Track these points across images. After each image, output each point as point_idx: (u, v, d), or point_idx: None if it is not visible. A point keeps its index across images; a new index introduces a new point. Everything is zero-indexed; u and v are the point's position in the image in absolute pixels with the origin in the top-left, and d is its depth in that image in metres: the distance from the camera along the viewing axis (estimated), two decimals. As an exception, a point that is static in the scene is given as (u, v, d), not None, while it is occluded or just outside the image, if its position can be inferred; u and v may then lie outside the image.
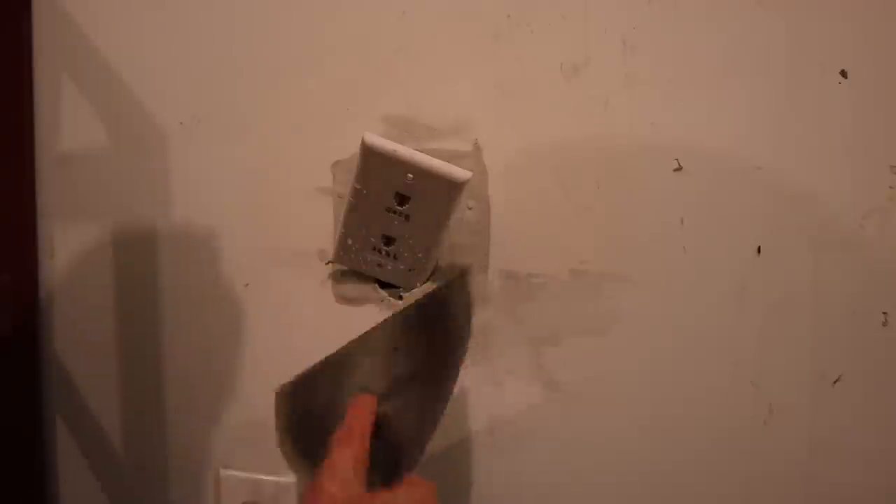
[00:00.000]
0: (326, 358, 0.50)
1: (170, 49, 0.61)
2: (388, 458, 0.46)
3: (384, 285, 0.59)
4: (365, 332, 0.51)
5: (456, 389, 0.58)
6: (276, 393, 0.49)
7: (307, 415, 0.49)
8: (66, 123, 0.64)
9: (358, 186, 0.51)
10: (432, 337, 0.52)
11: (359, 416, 0.45)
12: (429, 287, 0.57)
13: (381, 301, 0.59)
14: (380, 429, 0.47)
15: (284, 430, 0.49)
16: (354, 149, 0.51)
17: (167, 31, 0.61)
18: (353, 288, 0.59)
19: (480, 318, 0.58)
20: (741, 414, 0.55)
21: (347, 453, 0.42)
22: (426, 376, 0.50)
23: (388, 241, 0.54)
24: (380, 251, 0.55)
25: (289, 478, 0.62)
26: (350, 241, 0.55)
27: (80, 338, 0.66)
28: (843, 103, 0.53)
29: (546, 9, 0.55)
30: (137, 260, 0.63)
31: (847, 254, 0.53)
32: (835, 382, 0.54)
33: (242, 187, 0.61)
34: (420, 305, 0.53)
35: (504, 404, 0.58)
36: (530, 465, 0.58)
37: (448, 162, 0.49)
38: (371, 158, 0.49)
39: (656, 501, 0.57)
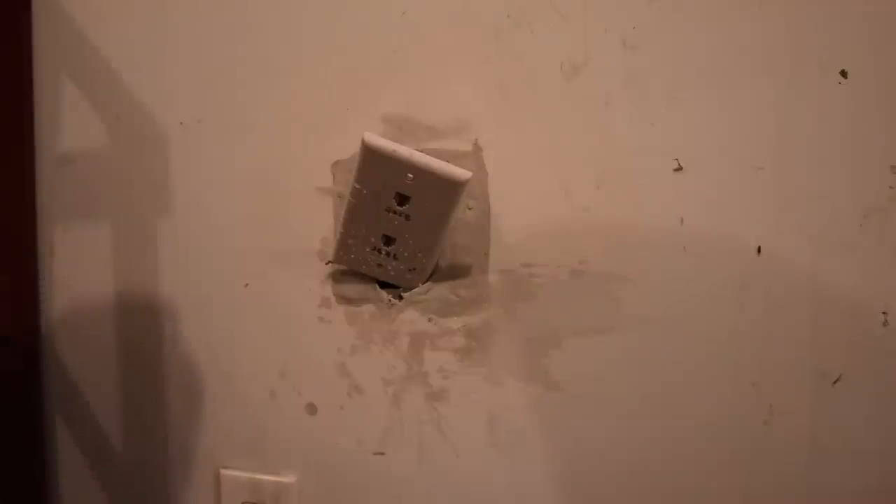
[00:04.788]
0: None
1: (170, 49, 0.61)
2: None
3: (384, 285, 0.59)
4: None
5: (456, 389, 0.58)
6: None
7: None
8: (66, 123, 0.64)
9: (358, 186, 0.51)
10: None
11: None
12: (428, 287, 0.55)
13: (382, 301, 0.59)
14: None
15: None
16: (354, 149, 0.51)
17: (167, 30, 0.61)
18: (353, 288, 0.59)
19: (481, 318, 0.58)
20: (741, 414, 0.55)
21: None
22: None
23: (388, 241, 0.54)
24: (380, 251, 0.55)
25: (289, 478, 0.62)
26: (350, 241, 0.55)
27: (80, 338, 0.66)
28: (843, 103, 0.53)
29: (546, 9, 0.55)
30: (137, 260, 0.63)
31: (847, 254, 0.53)
32: (835, 382, 0.54)
33: (242, 187, 0.61)
34: None
35: (504, 404, 0.58)
36: (530, 465, 0.58)
37: (448, 162, 0.49)
38: (371, 158, 0.49)
39: (656, 501, 0.57)
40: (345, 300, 0.60)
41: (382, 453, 0.59)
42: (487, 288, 0.58)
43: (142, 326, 0.64)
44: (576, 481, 0.57)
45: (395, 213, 0.52)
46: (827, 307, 0.54)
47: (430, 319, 0.58)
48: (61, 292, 0.66)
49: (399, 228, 0.53)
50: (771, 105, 0.54)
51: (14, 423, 0.64)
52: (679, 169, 0.55)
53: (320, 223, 0.60)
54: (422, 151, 0.49)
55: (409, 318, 0.59)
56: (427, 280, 0.58)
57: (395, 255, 0.55)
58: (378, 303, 0.59)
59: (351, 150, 0.58)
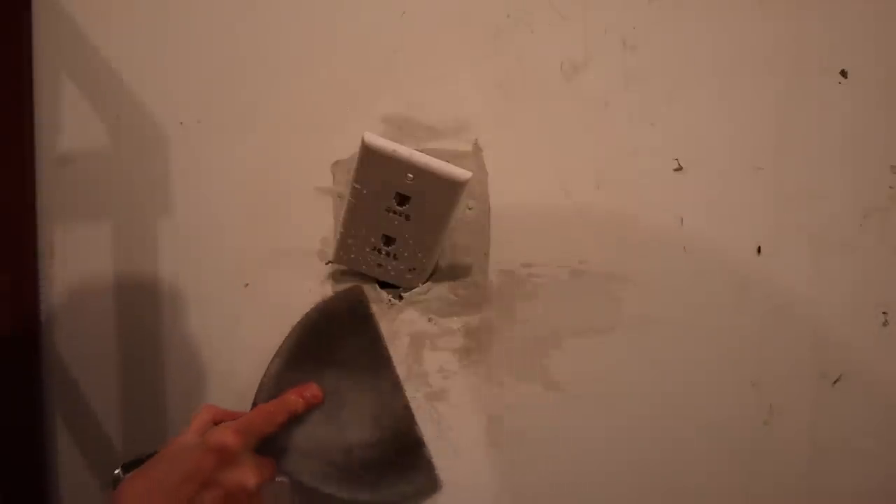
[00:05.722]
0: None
1: (170, 49, 0.61)
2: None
3: (384, 285, 0.59)
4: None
5: (456, 389, 0.58)
6: None
7: None
8: (66, 123, 0.64)
9: (358, 186, 0.51)
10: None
11: (280, 406, 0.52)
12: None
13: (382, 301, 0.59)
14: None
15: None
16: (354, 149, 0.51)
17: (167, 31, 0.61)
18: (353, 288, 0.59)
19: (481, 318, 0.58)
20: (741, 414, 0.55)
21: (249, 431, 0.48)
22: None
23: (388, 241, 0.54)
24: (380, 251, 0.55)
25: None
26: (350, 241, 0.55)
27: (80, 338, 0.66)
28: (843, 103, 0.53)
29: (546, 9, 0.55)
30: (137, 260, 0.63)
31: (847, 254, 0.53)
32: (835, 382, 0.54)
33: (242, 187, 0.61)
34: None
35: (504, 404, 0.58)
36: (530, 465, 0.58)
37: (448, 162, 0.49)
38: (371, 158, 0.49)
39: (656, 501, 0.57)
40: (345, 300, 0.60)
41: (382, 453, 0.59)
42: (487, 288, 0.58)
43: (142, 326, 0.64)
44: (576, 481, 0.57)
45: (395, 213, 0.52)
46: (827, 307, 0.54)
47: (430, 319, 0.58)
48: (61, 292, 0.66)
49: (399, 228, 0.53)
50: (771, 105, 0.54)
51: (14, 423, 0.64)
52: (679, 169, 0.55)
53: (320, 223, 0.60)
54: (422, 151, 0.49)
55: (409, 318, 0.59)
56: (427, 280, 0.58)
57: (395, 255, 0.55)
58: (378, 303, 0.59)
59: (351, 150, 0.58)
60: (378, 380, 0.56)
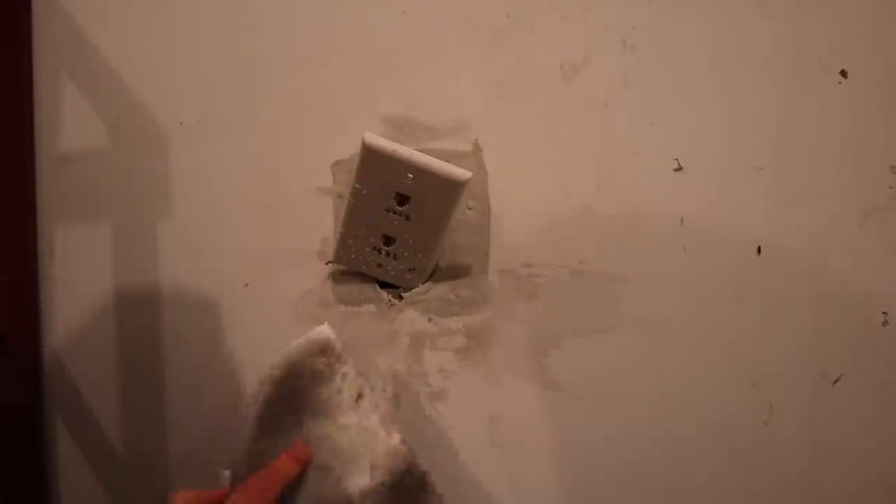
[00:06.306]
0: None
1: (170, 49, 0.61)
2: None
3: (384, 285, 0.59)
4: None
5: (456, 389, 0.58)
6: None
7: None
8: (66, 123, 0.64)
9: (358, 186, 0.51)
10: None
11: (275, 475, 0.45)
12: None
13: (382, 301, 0.59)
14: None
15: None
16: (354, 149, 0.51)
17: (167, 31, 0.61)
18: (353, 288, 0.59)
19: (481, 318, 0.58)
20: (741, 414, 0.55)
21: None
22: None
23: (388, 241, 0.54)
24: (380, 251, 0.55)
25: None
26: (350, 241, 0.55)
27: (80, 338, 0.66)
28: (843, 103, 0.53)
29: (546, 9, 0.55)
30: (137, 260, 0.63)
31: (847, 253, 0.53)
32: (835, 382, 0.54)
33: (242, 187, 0.61)
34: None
35: (504, 404, 0.58)
36: (530, 464, 0.58)
37: (448, 162, 0.49)
38: (371, 158, 0.49)
39: (656, 501, 0.57)
40: (345, 300, 0.60)
41: (382, 453, 0.59)
42: (487, 288, 0.58)
43: (142, 326, 0.64)
44: (576, 481, 0.57)
45: (395, 213, 0.52)
46: (827, 307, 0.54)
47: (430, 319, 0.58)
48: (61, 292, 0.66)
49: (399, 228, 0.53)
50: (771, 105, 0.54)
51: (14, 424, 0.64)
52: (679, 169, 0.55)
53: (320, 223, 0.60)
54: (422, 151, 0.49)
55: (409, 318, 0.59)
56: (427, 280, 0.58)
57: (395, 255, 0.55)
58: (378, 303, 0.59)
59: (351, 150, 0.58)
60: (362, 420, 0.50)
